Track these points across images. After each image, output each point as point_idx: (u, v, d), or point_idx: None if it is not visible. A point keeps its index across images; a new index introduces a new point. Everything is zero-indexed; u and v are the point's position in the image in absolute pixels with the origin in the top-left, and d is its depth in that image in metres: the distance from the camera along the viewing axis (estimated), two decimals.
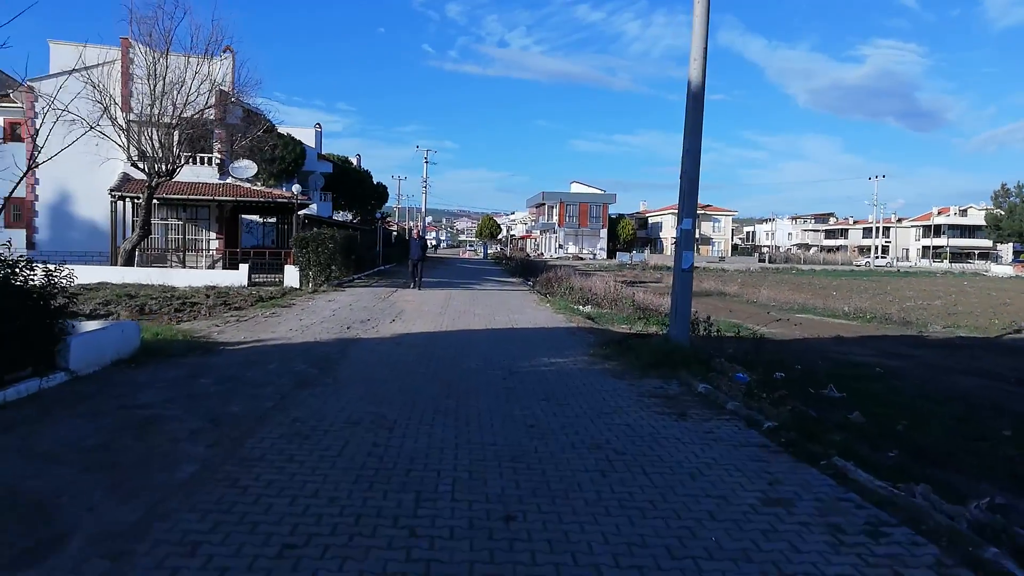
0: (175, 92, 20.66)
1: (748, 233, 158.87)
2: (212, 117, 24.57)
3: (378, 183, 58.31)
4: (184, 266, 24.38)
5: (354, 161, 57.54)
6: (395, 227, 79.36)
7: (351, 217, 56.49)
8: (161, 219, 25.48)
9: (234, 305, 16.14)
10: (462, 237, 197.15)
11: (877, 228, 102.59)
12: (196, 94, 20.94)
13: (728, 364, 11.03)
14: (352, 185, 49.23)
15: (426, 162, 74.96)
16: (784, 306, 29.41)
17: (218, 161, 25.81)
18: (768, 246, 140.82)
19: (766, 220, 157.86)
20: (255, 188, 25.02)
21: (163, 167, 20.74)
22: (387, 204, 77.78)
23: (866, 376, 12.16)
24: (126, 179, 23.51)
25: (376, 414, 6.81)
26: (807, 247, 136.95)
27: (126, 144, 20.95)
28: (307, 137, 43.58)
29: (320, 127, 46.34)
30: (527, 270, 41.01)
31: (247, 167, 25.00)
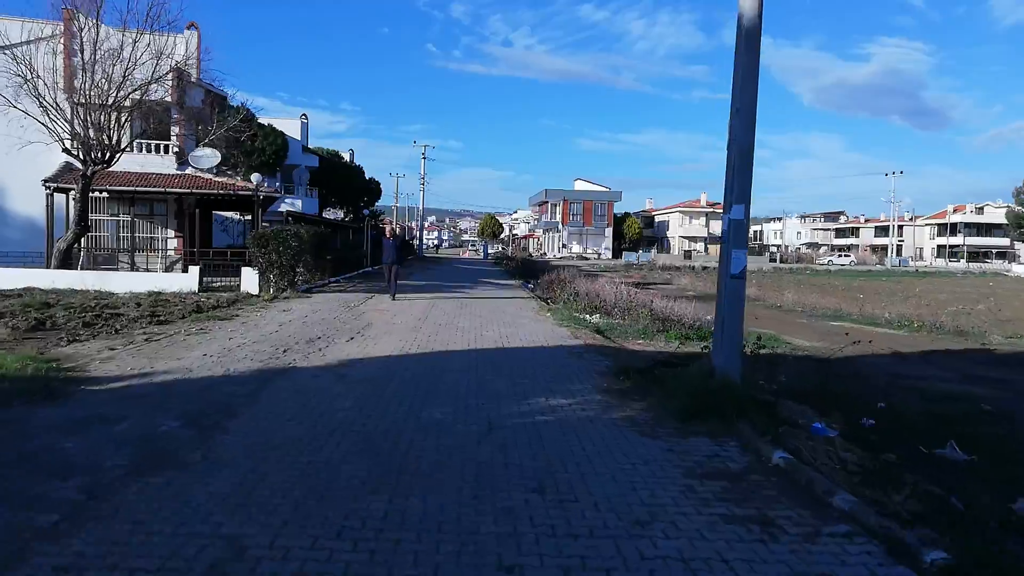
0: (110, 64, 17.65)
1: (755, 232, 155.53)
2: (167, 98, 21.60)
3: (370, 179, 55.16)
4: (134, 268, 21.39)
5: (347, 156, 54.52)
6: (390, 226, 76.45)
7: (343, 216, 53.50)
8: (111, 215, 22.51)
9: (161, 317, 13.14)
10: (465, 237, 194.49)
11: (893, 227, 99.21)
12: (133, 65, 17.89)
13: (796, 406, 8.03)
14: (342, 181, 46.17)
15: (424, 158, 72.03)
16: (815, 312, 26.33)
17: (176, 150, 22.82)
18: (777, 245, 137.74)
19: (774, 219, 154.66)
20: (216, 180, 22.05)
21: (98, 153, 17.75)
22: (384, 202, 74.81)
23: (974, 417, 9.07)
24: (67, 169, 20.53)
25: (229, 542, 3.79)
26: (816, 246, 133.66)
27: (60, 127, 17.93)
28: (291, 128, 40.59)
29: (306, 118, 43.27)
30: (528, 271, 38.03)
31: (208, 156, 22.03)
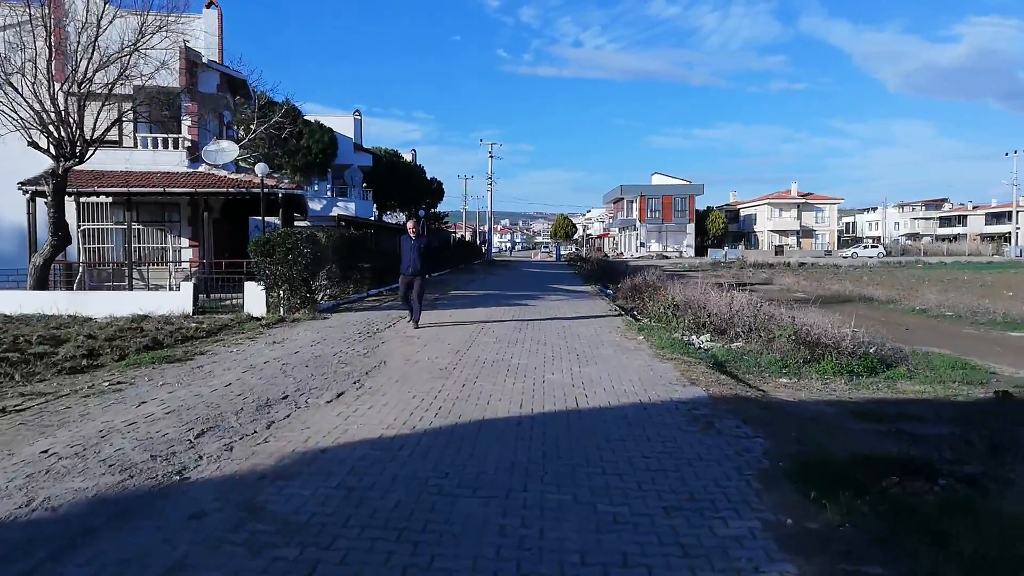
0: (80, 37, 14.22)
1: (847, 224, 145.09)
2: (176, 85, 18.25)
3: (432, 178, 51.37)
4: (133, 286, 18.00)
5: (408, 156, 51.06)
6: (456, 230, 72.88)
7: (405, 219, 50.10)
8: (115, 223, 19.28)
9: (95, 359, 9.39)
10: (538, 239, 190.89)
11: (1016, 212, 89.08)
12: (97, 31, 14.37)
13: None
14: (400, 181, 42.64)
15: (491, 156, 68.22)
16: (975, 317, 20.76)
17: (188, 144, 19.41)
18: (874, 237, 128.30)
19: (868, 209, 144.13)
20: (231, 177, 18.49)
21: (68, 147, 14.37)
22: (452, 206, 71.49)
23: None
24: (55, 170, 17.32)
25: None
26: (917, 237, 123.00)
27: (26, 114, 14.65)
28: (343, 126, 37.29)
29: (360, 114, 39.90)
30: (605, 274, 33.46)
31: (225, 150, 18.50)
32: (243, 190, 17.43)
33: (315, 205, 35.64)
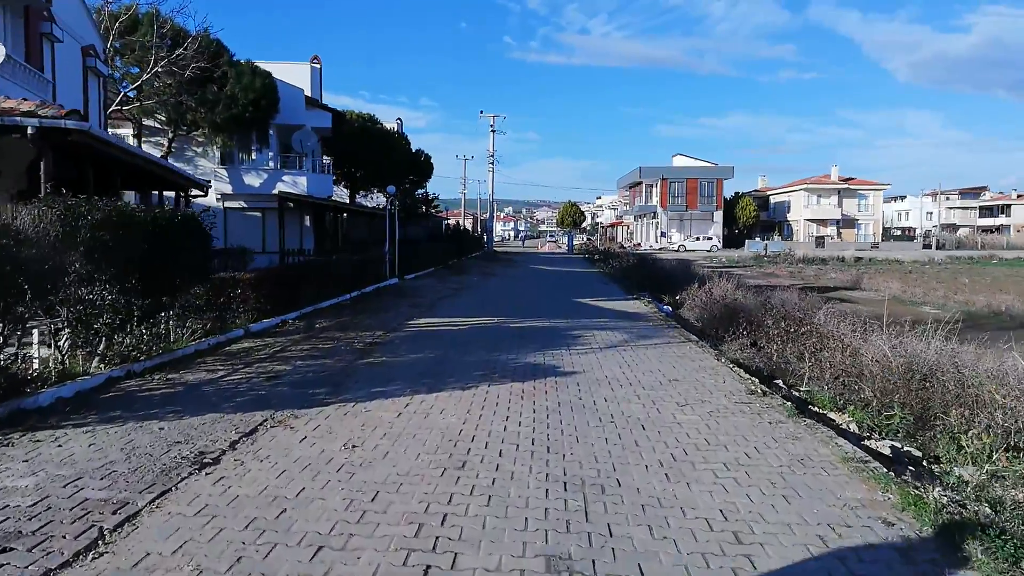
0: None
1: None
2: None
3: (418, 150, 41.50)
4: None
5: (391, 125, 41.65)
6: (450, 217, 63.83)
7: (386, 202, 40.78)
8: None
9: None
10: (542, 227, 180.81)
11: None
12: None
13: None
14: (376, 153, 33.36)
15: (492, 131, 58.86)
16: None
17: None
18: (905, 228, 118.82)
19: (896, 198, 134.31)
20: None
21: None
22: (447, 190, 62.11)
23: None
24: None
25: None
26: (955, 228, 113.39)
27: None
28: (294, 75, 28.01)
29: (319, 61, 30.53)
30: (645, 276, 23.94)
31: None
32: None
33: (252, 180, 26.49)
